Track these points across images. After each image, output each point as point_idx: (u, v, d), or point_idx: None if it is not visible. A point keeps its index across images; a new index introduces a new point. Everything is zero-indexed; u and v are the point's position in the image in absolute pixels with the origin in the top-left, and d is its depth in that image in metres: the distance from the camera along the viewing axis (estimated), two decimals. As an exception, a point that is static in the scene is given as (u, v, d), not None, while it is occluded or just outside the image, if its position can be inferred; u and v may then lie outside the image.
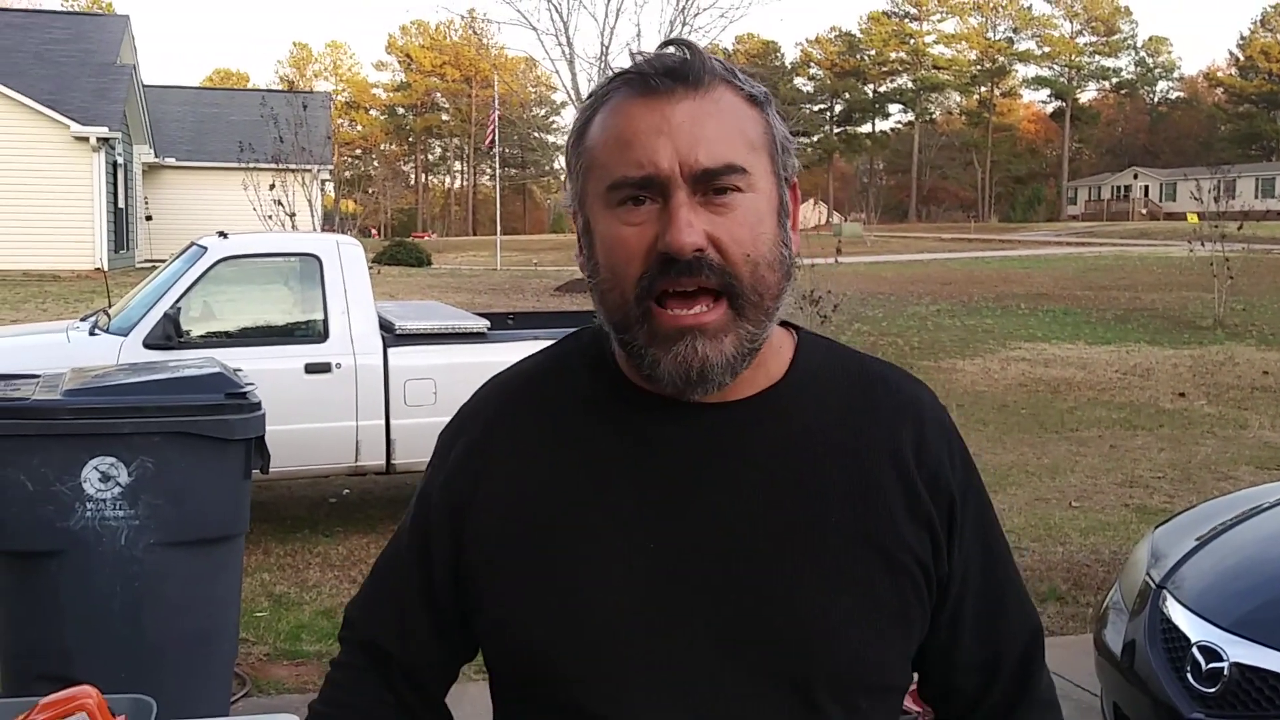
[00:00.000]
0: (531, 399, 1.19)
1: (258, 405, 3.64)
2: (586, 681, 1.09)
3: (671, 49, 1.09)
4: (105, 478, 3.43)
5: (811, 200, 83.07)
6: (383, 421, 6.49)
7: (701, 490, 1.11)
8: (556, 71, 25.25)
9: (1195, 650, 3.03)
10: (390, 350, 6.54)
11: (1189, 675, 3.01)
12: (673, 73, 1.06)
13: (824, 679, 1.09)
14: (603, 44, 24.39)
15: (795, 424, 1.14)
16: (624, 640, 1.08)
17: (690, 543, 1.09)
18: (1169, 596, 3.31)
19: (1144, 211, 66.67)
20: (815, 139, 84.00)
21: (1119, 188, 73.08)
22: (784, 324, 1.20)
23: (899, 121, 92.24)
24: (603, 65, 24.16)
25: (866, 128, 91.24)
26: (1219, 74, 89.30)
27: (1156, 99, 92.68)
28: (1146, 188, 70.73)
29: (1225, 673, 2.92)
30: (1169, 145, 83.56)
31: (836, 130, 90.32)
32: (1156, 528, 4.05)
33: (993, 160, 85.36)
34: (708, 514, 1.10)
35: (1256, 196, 55.96)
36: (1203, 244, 17.35)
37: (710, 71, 1.07)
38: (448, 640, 1.22)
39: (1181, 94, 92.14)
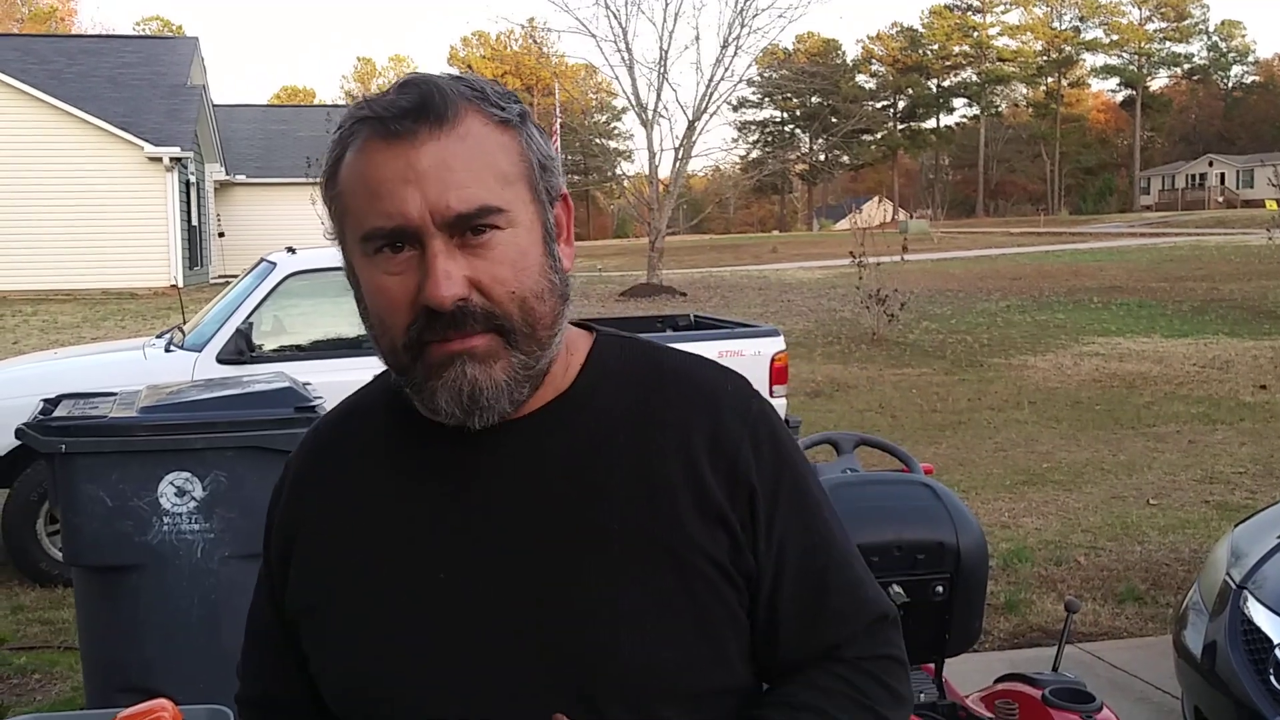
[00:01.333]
0: (335, 442, 1.23)
1: (326, 418, 3.69)
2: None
3: (406, 85, 1.05)
4: (181, 492, 3.51)
5: (876, 198, 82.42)
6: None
7: (487, 512, 1.11)
8: (616, 77, 25.40)
9: (1278, 651, 2.96)
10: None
11: (1271, 677, 2.94)
12: (413, 114, 1.03)
13: (611, 689, 1.06)
14: (661, 49, 24.40)
15: (580, 432, 1.13)
16: (422, 674, 1.09)
17: (479, 566, 1.09)
18: (1250, 596, 3.23)
19: (1220, 199, 65.16)
20: (879, 136, 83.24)
21: (1193, 176, 71.50)
22: (584, 326, 1.21)
23: (964, 116, 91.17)
24: (662, 70, 24.19)
25: (930, 123, 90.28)
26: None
27: (1231, 84, 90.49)
28: (1222, 175, 69.12)
29: (1310, 675, 2.84)
30: (1245, 130, 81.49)
31: (900, 127, 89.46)
32: (1236, 526, 3.95)
33: (1061, 152, 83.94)
34: (492, 535, 1.10)
35: (1338, 181, 54.46)
36: (1282, 231, 16.91)
37: (453, 105, 1.04)
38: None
39: (1257, 78, 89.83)
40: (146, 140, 23.67)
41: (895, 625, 1.21)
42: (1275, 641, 2.99)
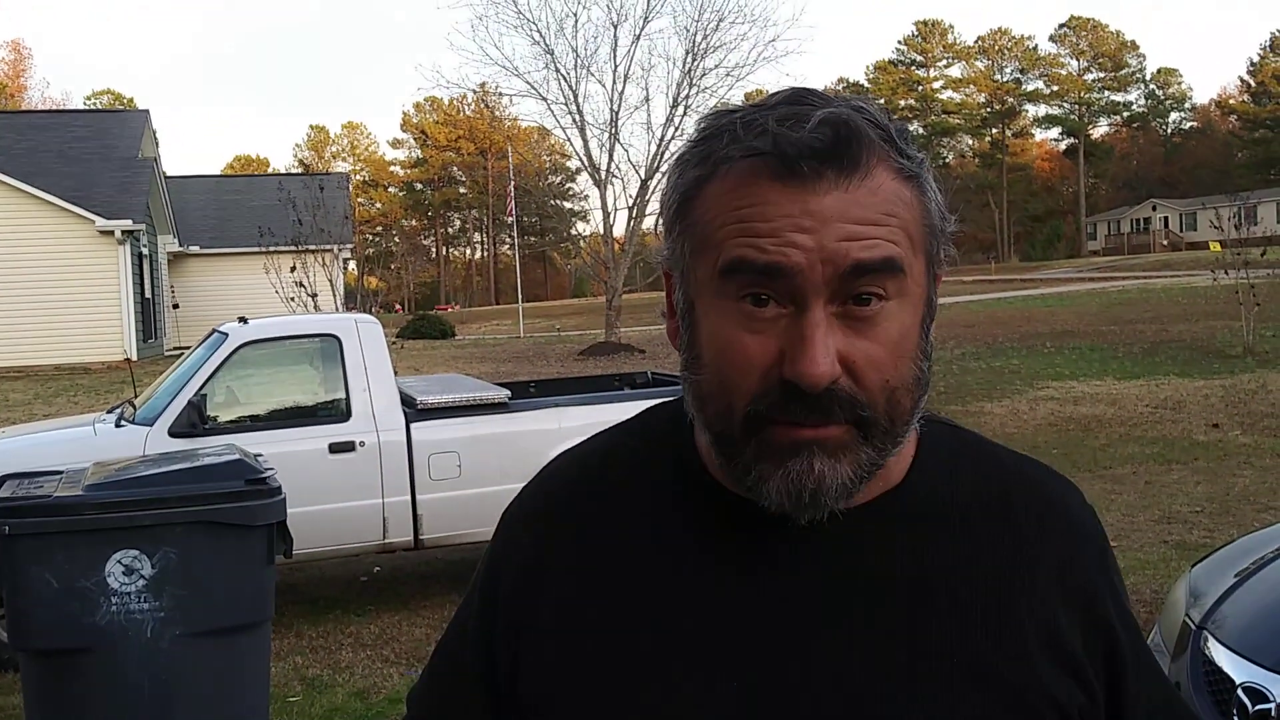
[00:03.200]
0: (599, 493, 1.00)
1: (278, 490, 3.65)
2: None
3: (821, 119, 0.85)
4: (129, 571, 3.44)
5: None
6: (409, 497, 6.49)
7: (791, 616, 0.92)
8: (569, 139, 25.59)
9: (1240, 692, 2.96)
10: (413, 425, 6.55)
11: (1235, 717, 2.93)
12: (824, 156, 0.84)
13: None
14: (612, 110, 24.72)
15: (915, 534, 0.95)
16: None
17: (777, 676, 0.90)
18: (1209, 637, 3.23)
19: (1165, 243, 66.44)
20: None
21: (1138, 220, 72.89)
22: None
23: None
24: (613, 130, 24.44)
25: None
26: (1231, 101, 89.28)
27: (1170, 130, 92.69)
28: (1166, 219, 70.51)
29: (1274, 713, 2.84)
30: (1185, 175, 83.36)
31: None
32: (1193, 566, 3.97)
33: (1009, 200, 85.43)
34: (795, 642, 0.91)
35: (1278, 221, 55.71)
36: (1226, 272, 17.24)
37: (867, 152, 0.86)
38: None
39: (1195, 123, 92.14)
40: (98, 214, 23.50)
41: None
42: (1237, 681, 2.99)
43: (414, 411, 6.63)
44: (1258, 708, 2.89)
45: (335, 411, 6.64)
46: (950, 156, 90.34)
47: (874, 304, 0.86)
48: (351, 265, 32.11)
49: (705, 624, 0.92)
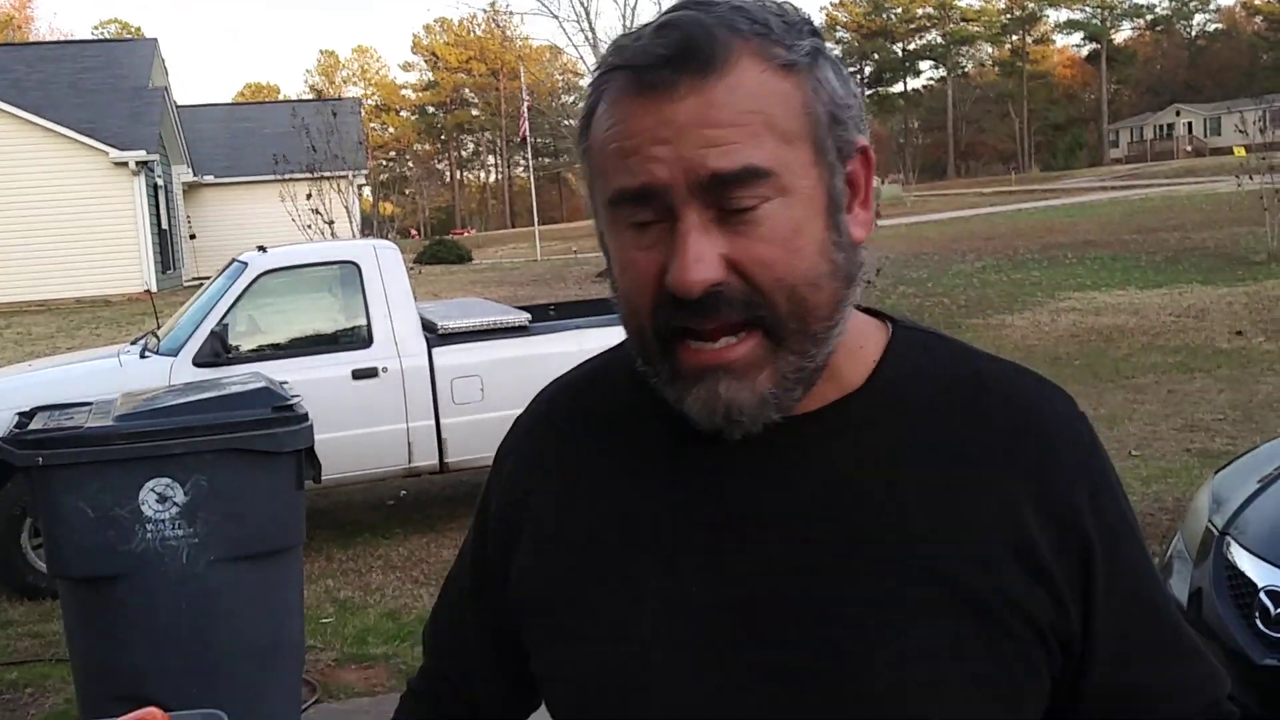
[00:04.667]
0: (573, 416, 1.05)
1: (305, 417, 3.68)
2: None
3: (666, 22, 0.87)
4: (162, 499, 3.49)
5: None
6: (433, 422, 6.54)
7: (748, 529, 0.93)
8: (581, 57, 25.19)
9: (1263, 595, 2.99)
10: (435, 350, 6.58)
11: (1258, 621, 2.96)
12: (673, 62, 0.84)
13: None
14: (625, 26, 24.30)
15: (872, 440, 0.94)
16: (665, 697, 0.93)
17: (739, 590, 0.92)
18: (1232, 542, 3.26)
19: (1189, 149, 65.45)
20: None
21: (1161, 127, 71.75)
22: (879, 315, 1.02)
23: (931, 78, 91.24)
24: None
25: (898, 87, 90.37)
26: (1257, 2, 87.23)
27: (1194, 32, 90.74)
28: (1190, 124, 69.39)
29: (1295, 616, 2.87)
30: (1210, 79, 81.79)
31: (868, 92, 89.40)
32: (1216, 473, 3.98)
33: (1030, 109, 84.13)
34: (752, 551, 0.92)
35: (1304, 124, 54.74)
36: (1250, 177, 16.99)
37: (722, 48, 0.85)
38: (509, 675, 1.10)
39: (1220, 25, 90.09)
40: (111, 145, 23.45)
41: (1231, 701, 1.02)
42: (1260, 585, 3.02)
43: (435, 336, 6.66)
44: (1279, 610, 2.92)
45: (357, 338, 6.67)
46: (970, 65, 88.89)
47: (754, 204, 0.85)
48: (366, 191, 32.01)
49: (661, 531, 0.95)
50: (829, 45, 0.92)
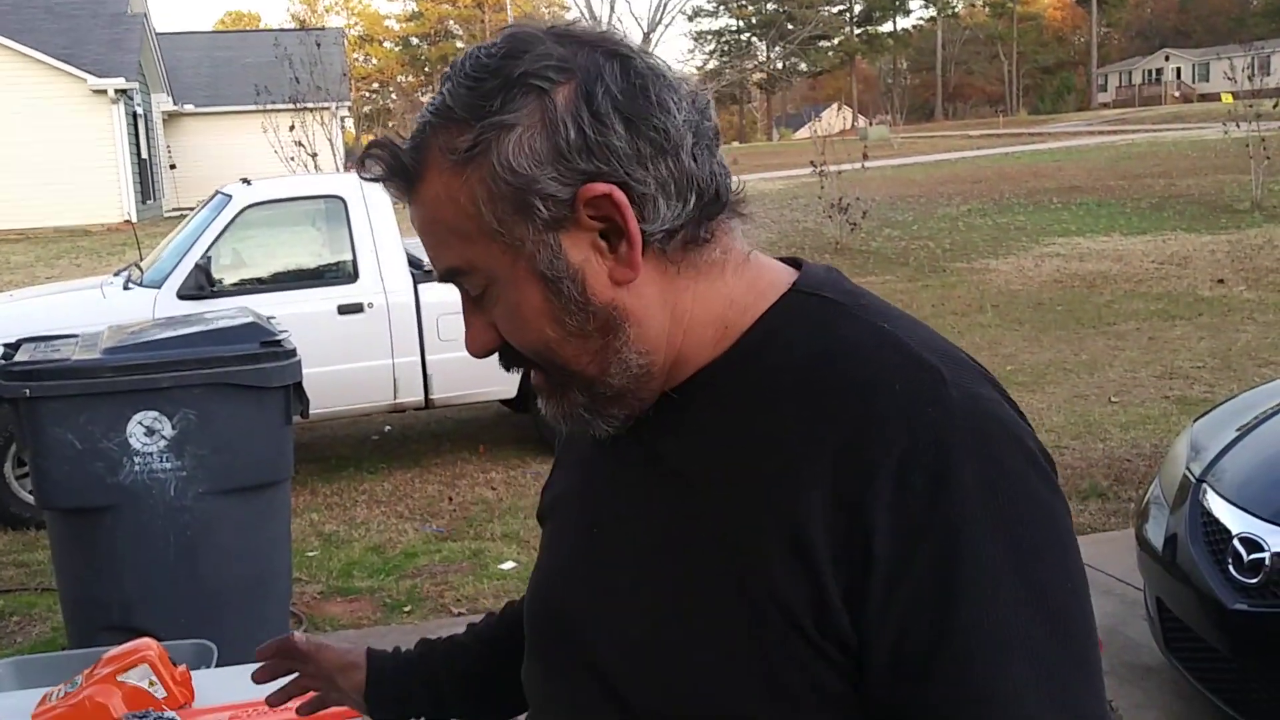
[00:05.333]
0: None
1: (293, 352, 3.68)
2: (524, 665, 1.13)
3: (378, 144, 0.95)
4: (150, 432, 3.50)
5: (835, 105, 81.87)
6: (418, 358, 6.55)
7: (617, 494, 1.01)
8: (569, -10, 24.83)
9: (1236, 542, 3.05)
10: (421, 286, 6.57)
11: (1230, 567, 3.02)
12: (385, 181, 0.95)
13: (648, 713, 0.93)
14: (614, -41, 23.95)
15: (701, 416, 0.95)
16: (536, 618, 1.09)
17: (600, 549, 1.01)
18: (1209, 489, 3.31)
19: (1177, 94, 65.21)
20: (836, 41, 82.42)
21: (1150, 71, 71.40)
22: (793, 262, 1.01)
23: (921, 18, 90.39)
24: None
25: (888, 27, 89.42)
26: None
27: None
28: (1179, 69, 69.06)
29: (1267, 563, 2.93)
30: (1200, 24, 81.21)
31: (857, 31, 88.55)
32: (1195, 420, 4.04)
33: (1019, 52, 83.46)
34: (613, 522, 1.01)
35: (1292, 72, 54.59)
36: (1238, 125, 16.98)
37: (414, 165, 0.92)
38: None
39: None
40: (89, 72, 23.08)
41: None
42: (1234, 532, 3.08)
43: (422, 273, 6.64)
44: (1252, 557, 2.98)
45: (342, 273, 6.65)
46: (960, 6, 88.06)
47: (480, 289, 0.94)
48: (349, 124, 31.64)
49: (577, 506, 1.07)
50: (562, 65, 0.89)
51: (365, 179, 0.96)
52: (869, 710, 0.86)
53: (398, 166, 0.93)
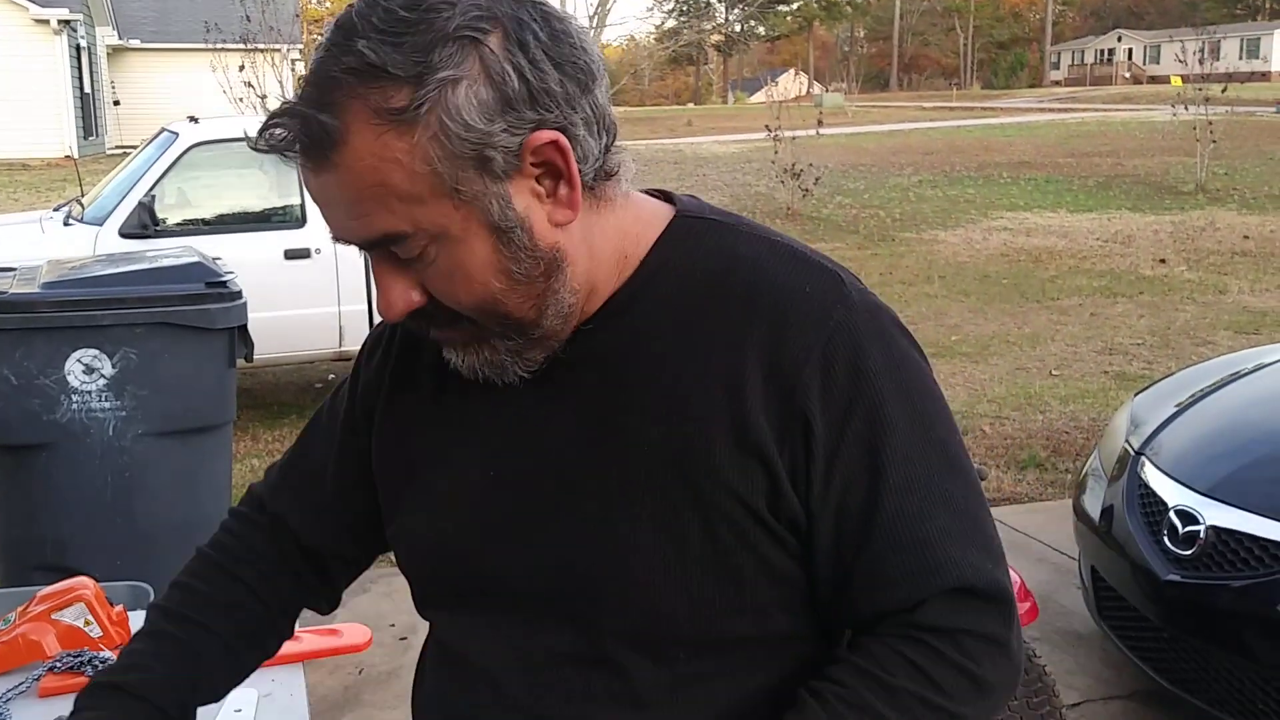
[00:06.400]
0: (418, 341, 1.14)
1: (239, 294, 3.62)
2: (437, 609, 1.10)
3: (283, 113, 0.89)
4: (89, 370, 3.43)
5: (792, 71, 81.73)
6: (365, 306, 6.47)
7: (530, 421, 1.02)
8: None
9: (1172, 514, 3.10)
10: (369, 234, 6.48)
11: (1165, 539, 3.08)
12: (296, 150, 0.89)
13: (613, 624, 0.98)
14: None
15: (617, 340, 1.00)
16: (455, 573, 1.06)
17: (515, 475, 1.02)
18: (1147, 462, 3.37)
19: (1127, 75, 65.89)
20: (795, 6, 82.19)
21: (1103, 51, 72.03)
22: (666, 197, 1.07)
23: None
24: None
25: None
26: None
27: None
28: (1130, 50, 69.73)
29: (1201, 535, 2.99)
30: (1154, 6, 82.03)
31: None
32: (1136, 395, 4.10)
33: (975, 25, 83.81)
34: (527, 446, 1.02)
35: (1241, 58, 55.42)
36: (1186, 108, 17.19)
37: (332, 132, 0.86)
38: (351, 529, 1.21)
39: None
40: (31, 1, 22.41)
41: (989, 599, 0.96)
42: (1170, 505, 3.13)
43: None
44: (1187, 529, 3.04)
45: (290, 217, 6.54)
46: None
47: (416, 251, 0.91)
48: (300, 67, 31.05)
49: (479, 421, 1.05)
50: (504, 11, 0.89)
51: (264, 150, 0.89)
52: (816, 586, 0.99)
53: (315, 134, 0.87)
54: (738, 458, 0.94)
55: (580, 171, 0.92)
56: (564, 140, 0.91)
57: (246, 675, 1.22)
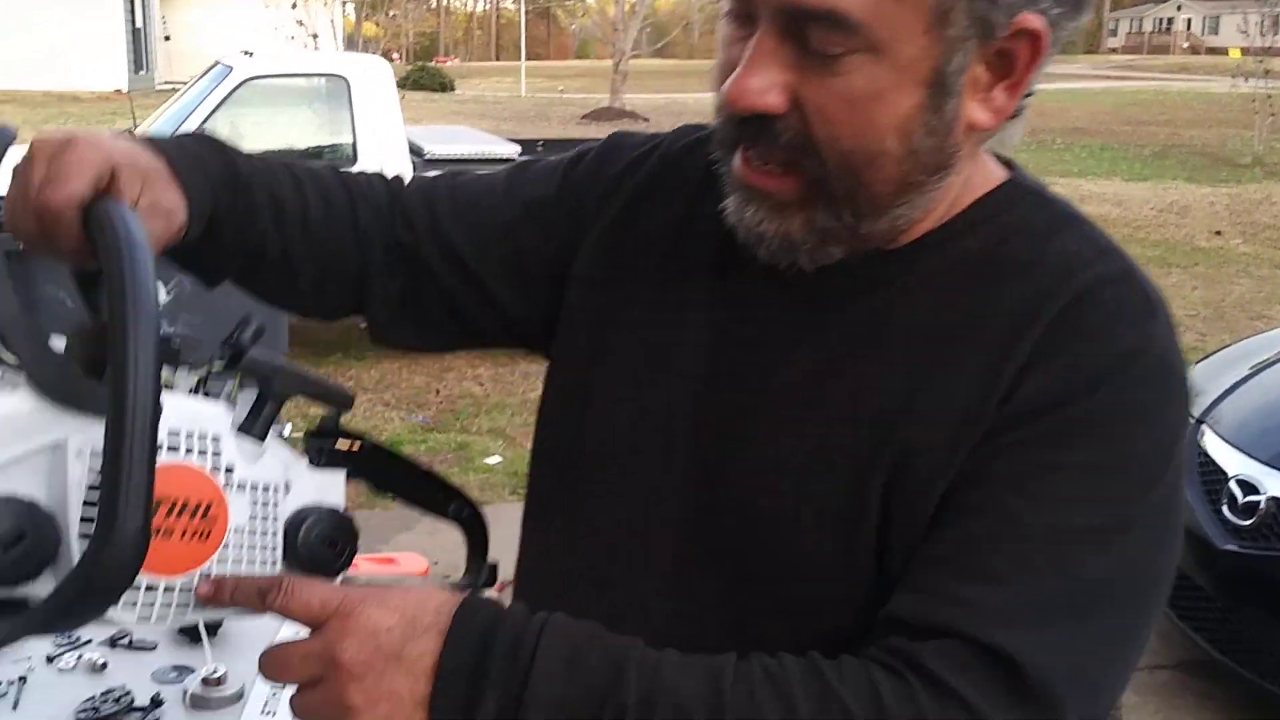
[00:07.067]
0: (679, 171, 0.99)
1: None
2: (579, 495, 0.96)
3: None
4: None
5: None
6: (414, 247, 6.48)
7: (745, 361, 0.89)
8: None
9: (1233, 484, 3.05)
10: (421, 175, 6.47)
11: (1224, 508, 3.03)
12: None
13: (764, 591, 0.86)
14: None
15: (917, 282, 0.86)
16: (617, 466, 0.93)
17: (730, 407, 0.89)
18: (1208, 430, 3.31)
19: (1185, 45, 64.60)
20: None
21: (1161, 20, 70.62)
22: (1007, 163, 0.93)
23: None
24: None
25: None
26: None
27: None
28: (1189, 20, 68.32)
29: (1262, 506, 2.94)
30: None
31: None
32: (1196, 363, 4.03)
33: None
34: (740, 387, 0.89)
35: (1305, 30, 54.10)
36: (1245, 80, 16.82)
37: None
38: (475, 286, 1.05)
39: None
40: (85, -66, 22.52)
41: (1029, 698, 0.74)
42: (1230, 474, 3.08)
43: (422, 161, 6.53)
44: (1247, 499, 2.99)
45: (341, 155, 6.53)
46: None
47: (840, 51, 0.75)
48: (350, 9, 31.01)
49: (682, 337, 0.92)
50: None
51: None
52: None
53: None
54: (965, 435, 0.80)
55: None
56: (1048, 36, 0.78)
57: (277, 248, 1.01)
